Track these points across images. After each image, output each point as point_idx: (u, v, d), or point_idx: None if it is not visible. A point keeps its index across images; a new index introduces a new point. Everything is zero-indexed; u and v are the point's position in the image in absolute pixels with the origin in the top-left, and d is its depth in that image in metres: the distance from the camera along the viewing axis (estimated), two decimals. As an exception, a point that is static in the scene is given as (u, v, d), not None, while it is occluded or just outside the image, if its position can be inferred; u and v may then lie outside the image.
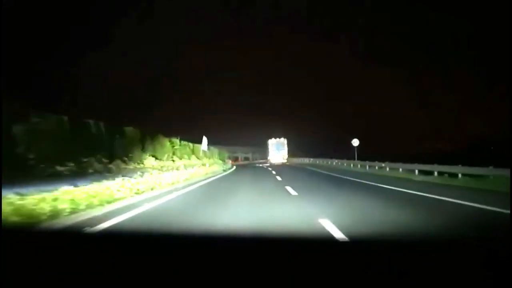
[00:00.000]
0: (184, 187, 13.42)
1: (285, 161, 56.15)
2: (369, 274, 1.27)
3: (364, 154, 32.35)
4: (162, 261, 1.41)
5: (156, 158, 22.27)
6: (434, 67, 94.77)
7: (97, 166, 14.29)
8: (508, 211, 6.29)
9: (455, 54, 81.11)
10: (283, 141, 60.03)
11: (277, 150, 58.50)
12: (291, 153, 61.70)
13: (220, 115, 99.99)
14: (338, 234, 4.70)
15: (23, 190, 6.29)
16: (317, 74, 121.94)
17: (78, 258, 1.44)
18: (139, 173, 12.51)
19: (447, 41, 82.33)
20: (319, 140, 75.09)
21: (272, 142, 60.36)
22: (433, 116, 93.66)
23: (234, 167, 37.74)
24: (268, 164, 48.69)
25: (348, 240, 3.91)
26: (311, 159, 48.00)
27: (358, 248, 1.76)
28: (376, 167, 25.39)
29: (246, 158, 78.36)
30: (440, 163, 18.67)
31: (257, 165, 46.66)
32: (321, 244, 2.11)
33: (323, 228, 5.20)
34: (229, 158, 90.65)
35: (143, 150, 21.14)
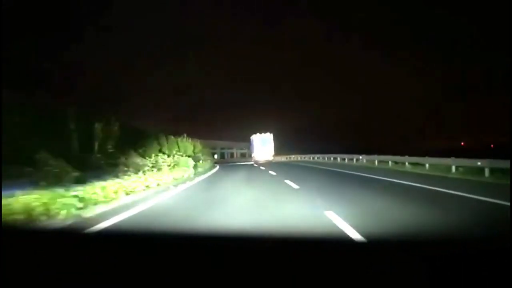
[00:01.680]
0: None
1: (272, 158, 50.79)
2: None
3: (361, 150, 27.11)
4: (162, 261, 1.37)
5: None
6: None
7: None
8: None
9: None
10: (269, 136, 54.07)
11: (263, 146, 52.94)
12: (277, 150, 56.31)
13: (216, 111, 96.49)
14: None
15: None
16: (315, 70, 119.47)
17: (78, 258, 1.44)
18: None
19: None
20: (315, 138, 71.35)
21: (256, 138, 54.50)
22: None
23: (216, 167, 27.56)
24: (252, 162, 44.09)
25: None
26: (333, 158, 35.07)
27: None
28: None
29: (243, 155, 73.87)
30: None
31: (254, 164, 35.57)
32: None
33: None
34: (222, 154, 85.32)
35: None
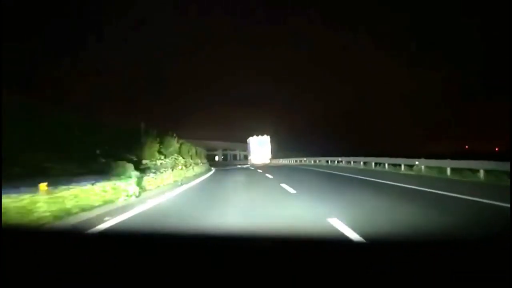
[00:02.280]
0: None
1: (269, 161, 48.73)
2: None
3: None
4: (163, 261, 1.35)
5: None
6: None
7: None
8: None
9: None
10: (266, 138, 52.36)
11: (260, 149, 51.55)
12: (278, 153, 55.01)
13: (218, 112, 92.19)
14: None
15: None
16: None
17: (78, 258, 1.41)
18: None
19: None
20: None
21: (253, 140, 52.84)
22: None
23: (207, 174, 21.07)
24: (248, 165, 41.20)
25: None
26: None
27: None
28: None
29: (246, 157, 67.49)
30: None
31: (257, 170, 26.59)
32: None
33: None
34: (225, 156, 78.33)
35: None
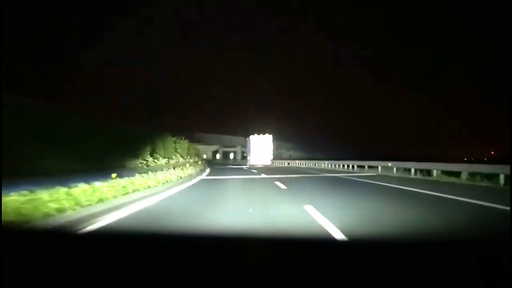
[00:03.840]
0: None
1: (270, 163, 44.86)
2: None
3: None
4: (154, 262, 1.37)
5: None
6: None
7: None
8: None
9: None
10: (268, 138, 48.36)
11: (260, 149, 47.89)
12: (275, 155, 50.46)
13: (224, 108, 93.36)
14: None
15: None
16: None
17: (75, 258, 1.41)
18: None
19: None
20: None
21: (253, 140, 48.90)
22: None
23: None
24: (247, 165, 36.40)
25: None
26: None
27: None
28: None
29: None
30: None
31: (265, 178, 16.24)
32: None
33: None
34: (243, 153, 78.17)
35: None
